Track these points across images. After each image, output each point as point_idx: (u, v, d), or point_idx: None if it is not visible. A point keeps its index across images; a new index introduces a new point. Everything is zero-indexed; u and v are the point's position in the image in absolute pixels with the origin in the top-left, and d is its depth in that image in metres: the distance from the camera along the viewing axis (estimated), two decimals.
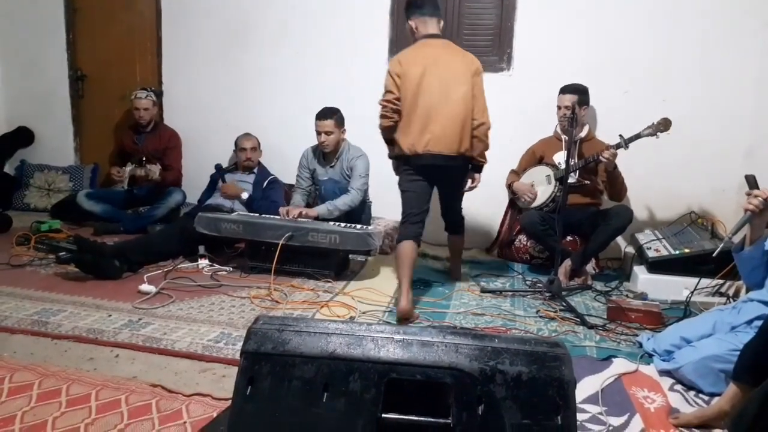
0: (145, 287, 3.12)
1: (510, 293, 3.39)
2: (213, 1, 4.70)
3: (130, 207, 4.56)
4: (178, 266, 3.57)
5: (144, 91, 4.57)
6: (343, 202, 3.93)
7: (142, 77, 4.99)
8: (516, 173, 4.05)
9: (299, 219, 3.78)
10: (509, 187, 4.04)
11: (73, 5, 5.06)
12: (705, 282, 3.16)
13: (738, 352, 2.03)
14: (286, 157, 4.54)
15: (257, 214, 3.83)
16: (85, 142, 5.30)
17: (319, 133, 4.03)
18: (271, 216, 3.81)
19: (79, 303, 2.94)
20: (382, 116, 3.16)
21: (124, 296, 3.05)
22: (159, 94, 4.68)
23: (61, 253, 3.25)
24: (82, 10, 5.07)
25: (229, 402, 1.49)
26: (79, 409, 1.94)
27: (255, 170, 4.41)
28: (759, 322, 2.11)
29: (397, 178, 3.31)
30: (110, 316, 2.79)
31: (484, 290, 3.42)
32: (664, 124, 3.46)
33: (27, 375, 2.15)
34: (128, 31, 4.99)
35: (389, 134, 3.19)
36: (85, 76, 5.17)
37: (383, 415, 1.39)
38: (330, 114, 3.98)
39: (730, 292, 3.16)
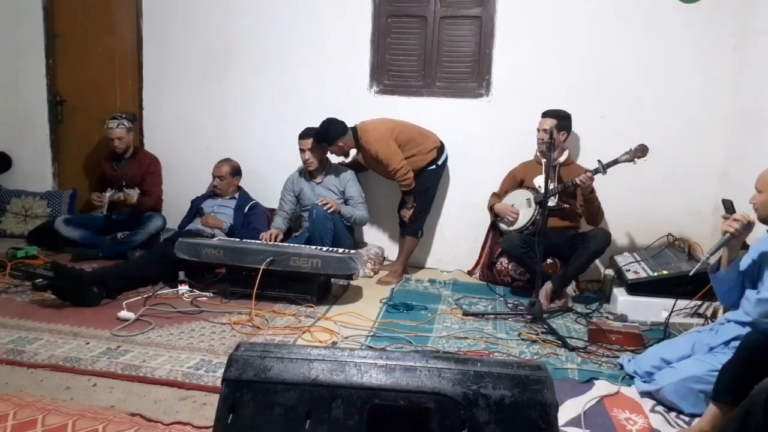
0: (124, 314, 3.08)
1: (492, 316, 3.40)
2: (194, 27, 4.72)
3: (109, 233, 4.50)
4: (158, 292, 3.53)
5: (115, 120, 4.46)
6: (360, 214, 4.19)
7: (123, 102, 4.97)
8: (497, 196, 4.09)
9: (278, 243, 3.82)
10: (491, 209, 4.07)
11: (53, 30, 5.04)
12: (683, 303, 3.20)
13: (717, 373, 2.06)
14: (267, 181, 4.54)
15: (238, 239, 3.82)
16: (64, 168, 5.24)
17: (302, 151, 4.13)
18: (252, 241, 3.81)
19: (55, 331, 2.89)
20: None
21: (103, 323, 3.00)
22: (132, 119, 4.62)
23: (37, 280, 3.20)
24: (63, 35, 5.05)
25: (211, 431, 1.47)
26: None
27: (236, 195, 4.40)
28: (736, 343, 2.14)
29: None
30: (88, 343, 2.74)
31: (466, 313, 3.43)
32: (642, 151, 3.53)
33: (1, 406, 2.10)
34: (109, 55, 4.98)
35: None
36: (65, 100, 5.14)
37: None
38: (310, 133, 4.09)
39: (708, 313, 3.21)
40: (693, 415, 2.22)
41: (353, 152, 4.25)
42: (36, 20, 5.00)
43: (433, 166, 4.18)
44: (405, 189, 4.12)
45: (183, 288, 3.58)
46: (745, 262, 2.36)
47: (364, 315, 3.32)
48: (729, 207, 2.65)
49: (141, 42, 4.84)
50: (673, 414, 2.27)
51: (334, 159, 4.37)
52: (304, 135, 4.13)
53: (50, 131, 5.16)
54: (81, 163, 5.17)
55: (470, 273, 4.38)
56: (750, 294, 2.27)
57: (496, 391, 1.42)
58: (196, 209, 4.35)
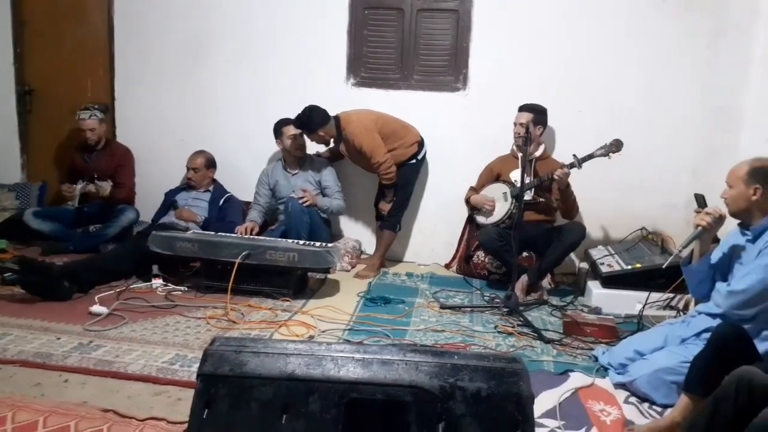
0: (96, 308, 3.02)
1: (469, 309, 3.42)
2: (168, 17, 4.64)
3: (80, 226, 4.41)
4: (131, 286, 3.47)
5: (87, 111, 4.38)
6: (337, 204, 4.21)
7: (94, 92, 4.86)
8: (474, 190, 4.11)
9: (254, 236, 3.80)
10: (467, 201, 4.09)
11: (21, 18, 4.91)
12: (656, 296, 3.25)
13: (688, 364, 2.09)
14: (242, 174, 4.50)
15: (213, 233, 3.78)
16: (33, 159, 5.12)
17: (290, 137, 4.16)
18: (228, 234, 3.77)
19: (25, 326, 2.82)
20: None
21: (74, 318, 2.94)
22: (105, 110, 4.53)
23: (6, 274, 3.13)
24: (31, 23, 4.92)
25: (185, 426, 1.45)
26: None
27: (210, 188, 4.35)
28: (707, 335, 2.18)
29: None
30: (59, 339, 2.68)
31: (443, 306, 3.44)
32: (616, 146, 3.58)
33: None
34: (79, 45, 4.87)
35: None
36: (33, 90, 5.01)
37: None
38: (292, 120, 4.10)
39: (680, 306, 3.26)
40: (665, 406, 2.26)
41: (332, 142, 4.22)
42: (3, 7, 4.86)
43: (414, 161, 4.18)
44: (387, 183, 4.11)
45: (157, 282, 3.53)
46: (716, 255, 2.41)
47: (341, 309, 3.31)
48: (701, 201, 2.70)
49: (112, 31, 4.74)
50: (646, 405, 2.31)
51: (310, 148, 4.35)
52: (289, 122, 4.12)
53: (18, 122, 5.03)
54: (51, 154, 5.06)
55: (447, 266, 4.40)
56: (720, 286, 2.32)
57: (472, 384, 1.43)
58: (170, 202, 4.29)
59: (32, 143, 5.11)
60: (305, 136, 4.14)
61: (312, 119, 3.96)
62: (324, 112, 4.00)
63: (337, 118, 4.06)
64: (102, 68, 4.84)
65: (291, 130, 4.13)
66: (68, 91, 4.91)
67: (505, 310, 3.33)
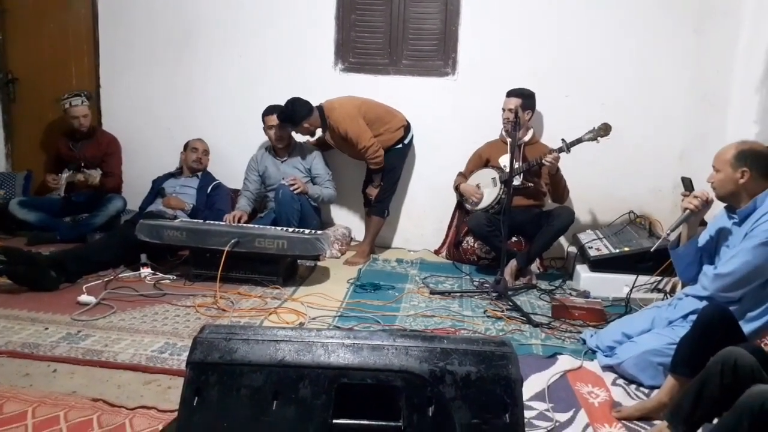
0: (84, 298, 3.01)
1: (458, 294, 3.43)
2: (154, 3, 4.57)
3: (67, 215, 4.37)
4: (119, 275, 3.45)
5: (78, 97, 4.33)
6: (328, 192, 4.19)
7: (78, 80, 4.80)
8: (463, 175, 4.11)
9: (243, 224, 3.78)
10: (456, 189, 4.09)
11: (2, 6, 4.82)
12: (644, 279, 3.28)
13: (675, 346, 2.12)
14: (230, 162, 4.47)
15: (201, 221, 3.76)
16: (18, 148, 5.06)
17: (270, 128, 4.11)
18: (216, 222, 3.75)
19: (12, 316, 2.80)
20: None
21: (62, 308, 2.93)
22: (89, 97, 4.48)
23: None
24: (13, 11, 4.84)
25: (176, 414, 1.45)
26: (14, 427, 1.85)
27: (199, 175, 4.32)
28: (694, 317, 2.20)
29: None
30: (47, 329, 2.67)
31: (433, 292, 3.45)
32: (605, 130, 3.59)
33: None
34: (63, 32, 4.79)
35: None
36: (17, 79, 4.94)
37: (334, 421, 1.39)
38: (276, 110, 4.04)
39: (667, 288, 3.29)
40: (652, 387, 2.28)
41: (319, 131, 4.19)
42: None
43: (400, 145, 4.17)
44: (375, 167, 4.10)
45: (145, 271, 3.51)
46: (703, 239, 2.43)
47: (331, 295, 3.31)
48: (688, 185, 2.72)
49: (96, 18, 4.67)
50: (633, 386, 2.34)
51: (299, 137, 4.32)
52: (271, 111, 4.08)
53: (2, 110, 4.96)
54: (36, 143, 4.99)
55: (437, 252, 4.41)
56: (707, 269, 2.34)
57: (462, 368, 1.44)
58: (157, 190, 4.26)
59: (17, 132, 5.04)
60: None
61: (295, 112, 3.94)
62: (307, 103, 3.97)
63: (320, 107, 4.03)
64: (86, 55, 4.78)
65: (272, 120, 4.09)
66: (52, 80, 4.84)
67: (495, 294, 3.34)
